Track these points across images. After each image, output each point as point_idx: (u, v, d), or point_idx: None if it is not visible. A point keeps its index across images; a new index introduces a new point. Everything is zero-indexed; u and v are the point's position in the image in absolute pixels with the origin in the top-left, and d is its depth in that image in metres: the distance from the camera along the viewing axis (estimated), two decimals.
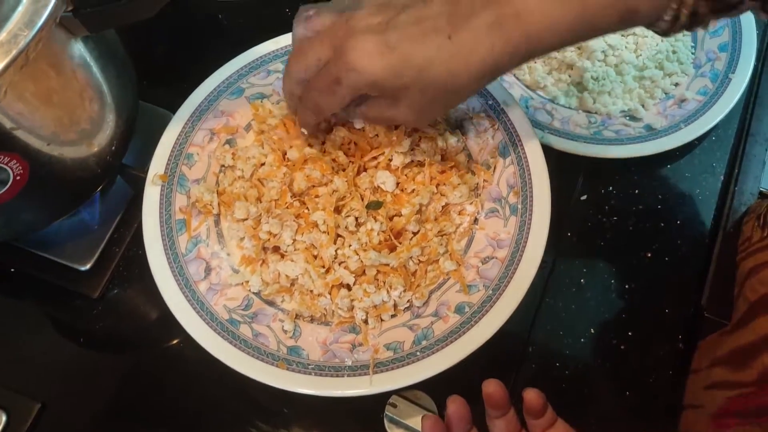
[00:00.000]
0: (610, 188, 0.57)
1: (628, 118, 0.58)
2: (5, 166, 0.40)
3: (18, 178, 0.41)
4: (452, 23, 0.36)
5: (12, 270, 0.54)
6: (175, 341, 0.52)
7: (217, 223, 0.49)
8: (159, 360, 0.52)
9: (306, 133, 0.48)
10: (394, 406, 0.46)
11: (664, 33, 0.37)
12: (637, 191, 0.56)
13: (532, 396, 0.38)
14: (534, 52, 0.37)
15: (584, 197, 0.56)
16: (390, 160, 0.47)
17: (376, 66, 0.36)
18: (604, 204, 0.56)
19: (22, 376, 0.51)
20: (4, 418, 0.48)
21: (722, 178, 0.57)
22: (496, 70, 0.37)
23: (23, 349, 0.53)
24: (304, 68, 0.40)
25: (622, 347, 0.51)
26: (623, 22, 0.36)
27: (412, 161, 0.48)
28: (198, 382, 0.50)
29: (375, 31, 0.37)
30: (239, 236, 0.48)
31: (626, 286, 0.53)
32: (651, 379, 0.50)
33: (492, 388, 0.38)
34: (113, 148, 0.48)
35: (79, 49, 0.42)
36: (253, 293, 0.47)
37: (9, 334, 0.53)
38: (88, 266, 0.53)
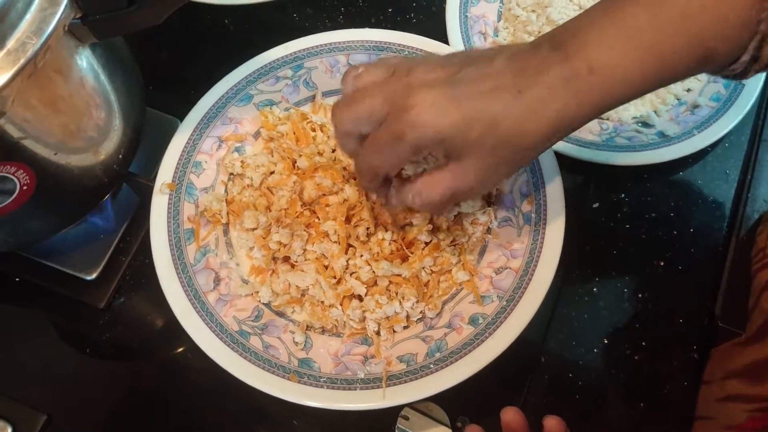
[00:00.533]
0: (622, 196, 0.56)
1: (640, 124, 0.57)
2: (12, 176, 0.39)
3: (25, 188, 0.40)
4: (519, 81, 0.34)
5: (17, 279, 0.53)
6: (182, 352, 0.51)
7: (225, 232, 0.49)
8: (166, 371, 0.51)
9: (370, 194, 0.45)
10: (407, 418, 0.45)
11: (738, 76, 0.35)
12: (649, 199, 0.56)
13: (552, 424, 0.37)
14: (608, 106, 0.35)
15: (596, 205, 0.56)
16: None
17: (442, 119, 0.34)
18: (616, 212, 0.55)
19: (27, 387, 0.50)
20: (9, 431, 0.47)
21: (735, 185, 0.56)
22: (568, 127, 0.35)
23: (28, 360, 0.52)
24: (353, 120, 0.37)
25: (636, 357, 0.51)
26: (699, 67, 0.34)
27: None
28: (205, 392, 0.49)
29: (438, 86, 0.34)
30: (248, 246, 0.48)
31: (639, 295, 0.53)
32: (665, 390, 0.50)
33: (510, 416, 0.37)
34: (120, 156, 0.47)
35: (86, 56, 0.41)
36: (263, 304, 0.46)
37: (14, 345, 0.52)
38: (94, 276, 0.52)
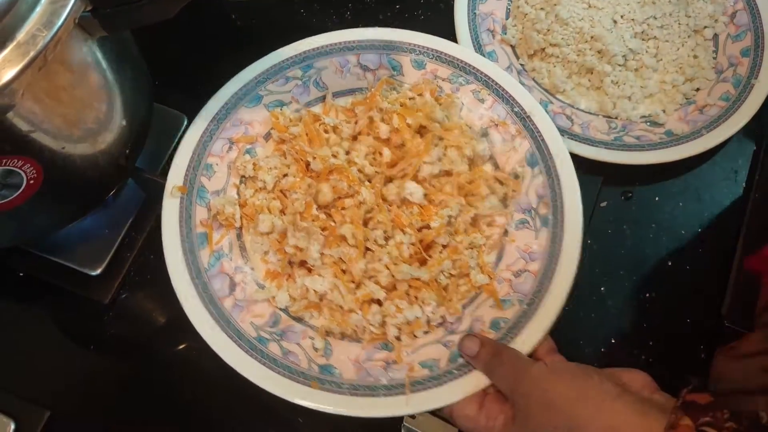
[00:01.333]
0: (630, 195, 0.56)
1: (648, 123, 0.57)
2: (19, 170, 0.38)
3: (32, 182, 0.39)
4: None
5: (21, 274, 0.52)
6: (187, 348, 0.51)
7: (239, 236, 0.48)
8: (171, 367, 0.50)
9: None
10: (413, 417, 0.45)
11: None
12: (657, 198, 0.56)
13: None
14: None
15: (604, 204, 0.55)
16: (417, 170, 0.46)
17: None
18: (624, 211, 0.55)
19: (31, 383, 0.49)
20: (12, 427, 0.47)
21: (744, 184, 0.57)
22: None
23: (32, 356, 0.51)
24: None
25: (643, 357, 0.51)
26: None
27: (440, 171, 0.46)
28: (210, 389, 0.49)
29: None
30: (263, 250, 0.47)
31: (647, 295, 0.53)
32: (672, 390, 0.50)
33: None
34: (127, 150, 0.46)
35: (95, 50, 0.40)
36: (281, 309, 0.45)
37: (17, 340, 0.51)
38: (98, 271, 0.51)
